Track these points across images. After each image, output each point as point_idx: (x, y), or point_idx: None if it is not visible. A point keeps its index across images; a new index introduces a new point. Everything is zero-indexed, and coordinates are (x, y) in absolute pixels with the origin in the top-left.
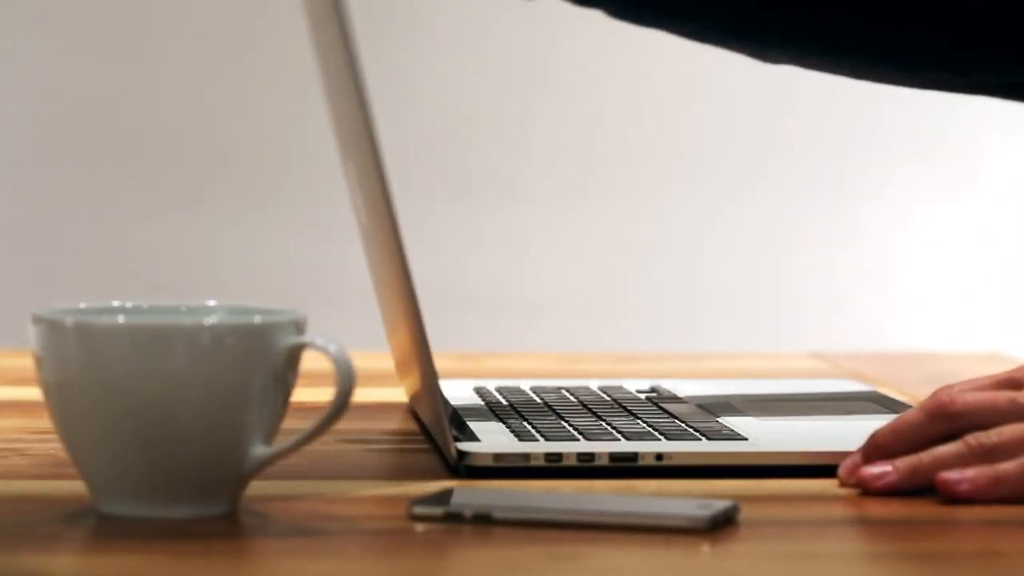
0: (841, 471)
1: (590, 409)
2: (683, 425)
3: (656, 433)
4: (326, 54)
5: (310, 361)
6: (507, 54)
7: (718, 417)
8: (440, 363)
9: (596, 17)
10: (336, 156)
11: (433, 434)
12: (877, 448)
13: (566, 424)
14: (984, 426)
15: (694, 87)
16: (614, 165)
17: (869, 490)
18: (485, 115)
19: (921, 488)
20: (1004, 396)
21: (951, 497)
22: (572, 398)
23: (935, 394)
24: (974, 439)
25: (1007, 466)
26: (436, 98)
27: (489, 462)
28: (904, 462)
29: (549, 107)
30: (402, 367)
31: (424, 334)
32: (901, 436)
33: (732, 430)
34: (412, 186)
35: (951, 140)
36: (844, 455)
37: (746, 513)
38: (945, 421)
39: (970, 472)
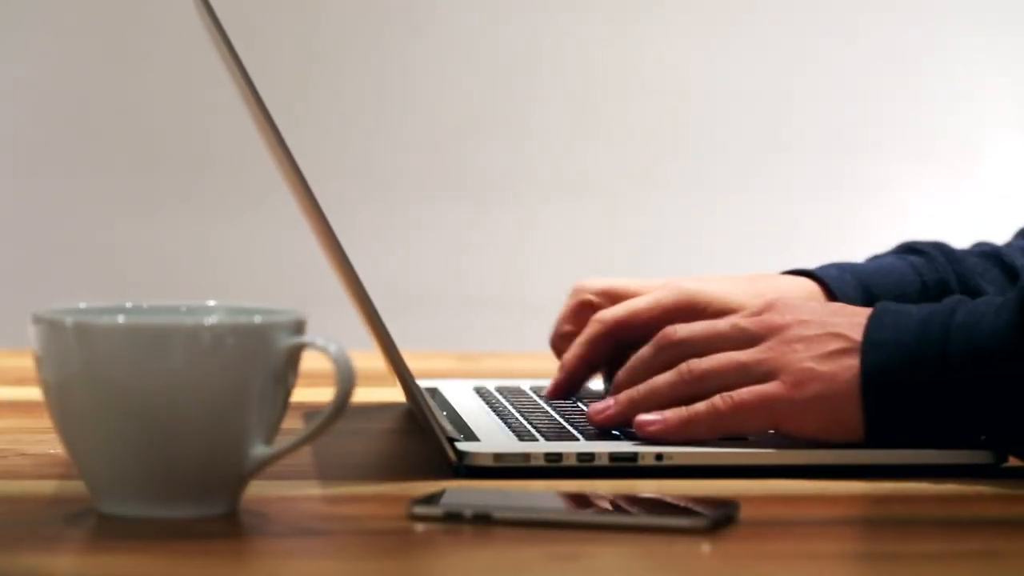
0: (589, 412)
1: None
2: None
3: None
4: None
5: (310, 361)
6: (505, 54)
7: None
8: (440, 363)
9: (593, 16)
10: (336, 156)
11: (425, 428)
12: (617, 387)
13: (566, 424)
14: (707, 352)
15: (692, 87)
16: (614, 165)
17: (595, 424)
18: (485, 115)
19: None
20: (727, 321)
21: (645, 437)
22: (572, 398)
23: (666, 328)
24: (686, 366)
25: (699, 406)
26: (434, 98)
27: (489, 462)
28: (624, 395)
29: (549, 107)
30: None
31: (387, 333)
32: (634, 372)
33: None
34: (411, 186)
35: (950, 139)
36: (844, 455)
37: (746, 513)
38: (670, 350)
39: (667, 413)
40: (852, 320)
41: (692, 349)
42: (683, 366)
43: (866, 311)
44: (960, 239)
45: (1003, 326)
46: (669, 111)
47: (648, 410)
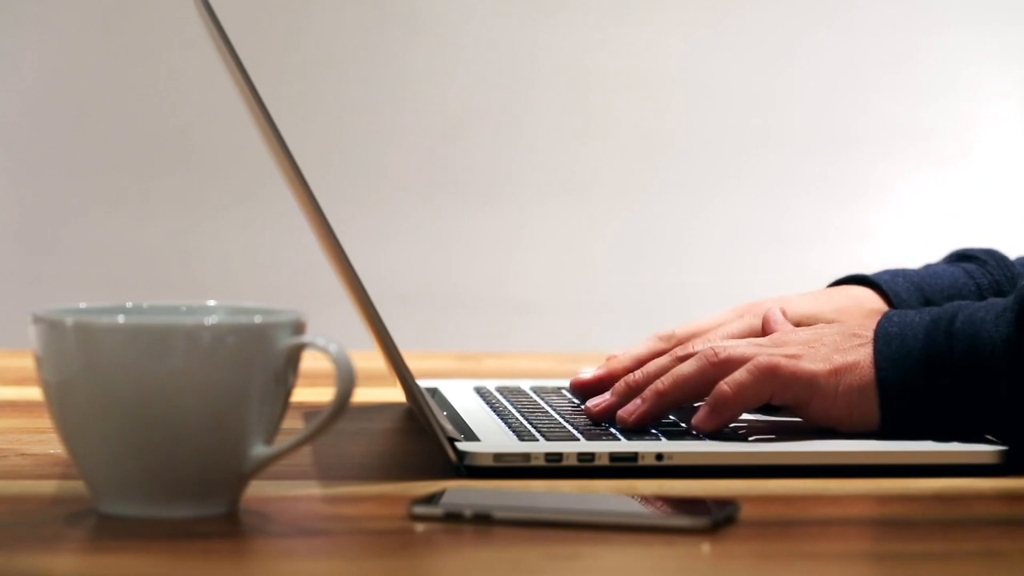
0: (589, 405)
1: None
2: (683, 425)
3: (656, 433)
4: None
5: (310, 361)
6: (500, 55)
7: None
8: (440, 363)
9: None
10: (334, 156)
11: (425, 428)
12: (628, 387)
13: (566, 424)
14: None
15: (685, 86)
16: (614, 164)
17: (626, 425)
18: (485, 115)
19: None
20: (745, 339)
21: (702, 433)
22: (572, 398)
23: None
24: (710, 349)
25: (738, 374)
26: (434, 98)
27: (489, 462)
28: (650, 390)
29: (547, 106)
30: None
31: (387, 332)
32: (650, 377)
33: (732, 430)
34: (410, 186)
35: (944, 136)
36: (844, 455)
37: (746, 513)
38: (688, 357)
39: (708, 399)
40: (863, 323)
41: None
42: (707, 350)
43: (875, 319)
44: (958, 237)
45: (1000, 341)
46: (664, 111)
47: (676, 399)
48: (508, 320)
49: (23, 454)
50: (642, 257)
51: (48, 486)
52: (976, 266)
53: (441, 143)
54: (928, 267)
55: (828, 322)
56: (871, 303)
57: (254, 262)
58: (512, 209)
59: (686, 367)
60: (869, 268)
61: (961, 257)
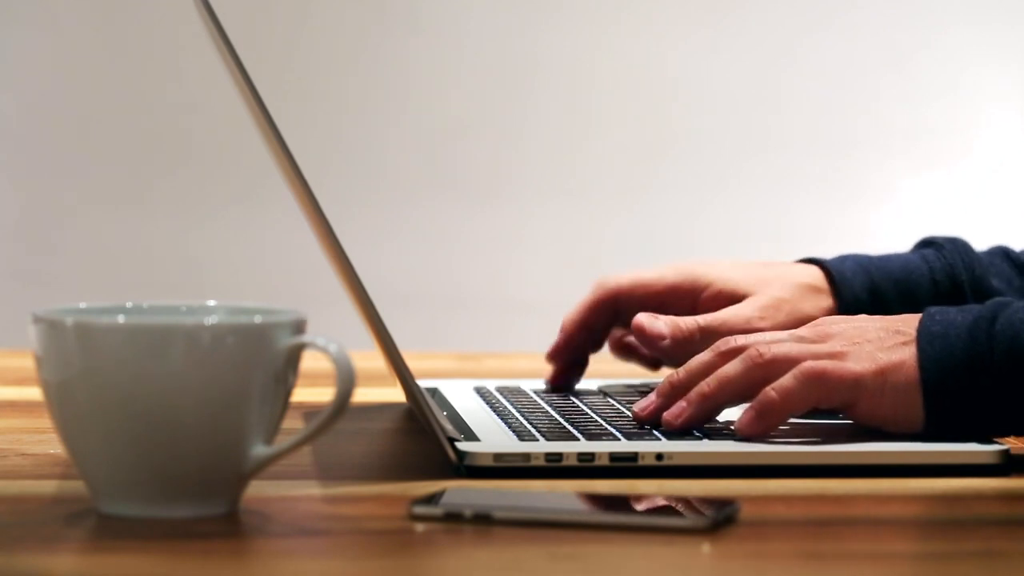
0: (636, 409)
1: (590, 409)
2: (730, 428)
3: (656, 433)
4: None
5: (310, 361)
6: (499, 54)
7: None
8: (440, 363)
9: (585, 15)
10: (333, 156)
11: (425, 428)
12: (672, 387)
13: (566, 424)
14: None
15: (685, 85)
16: (613, 163)
17: (672, 428)
18: (485, 115)
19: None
20: (784, 333)
21: (746, 437)
22: (572, 398)
23: (724, 338)
24: (755, 350)
25: (784, 380)
26: (434, 98)
27: (489, 462)
28: (695, 392)
29: (547, 106)
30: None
31: (388, 332)
32: (693, 374)
33: (732, 430)
34: (409, 186)
35: (943, 136)
36: (843, 455)
37: (746, 513)
38: (730, 355)
39: (753, 402)
40: (905, 319)
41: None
42: (752, 351)
43: (916, 316)
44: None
45: None
46: (664, 111)
47: (721, 401)
48: (508, 320)
49: (23, 454)
50: (642, 257)
51: (48, 486)
52: (932, 251)
53: (441, 143)
54: (886, 254)
55: (744, 293)
56: (803, 278)
57: (254, 262)
58: (512, 209)
59: (731, 368)
60: None
61: (924, 244)
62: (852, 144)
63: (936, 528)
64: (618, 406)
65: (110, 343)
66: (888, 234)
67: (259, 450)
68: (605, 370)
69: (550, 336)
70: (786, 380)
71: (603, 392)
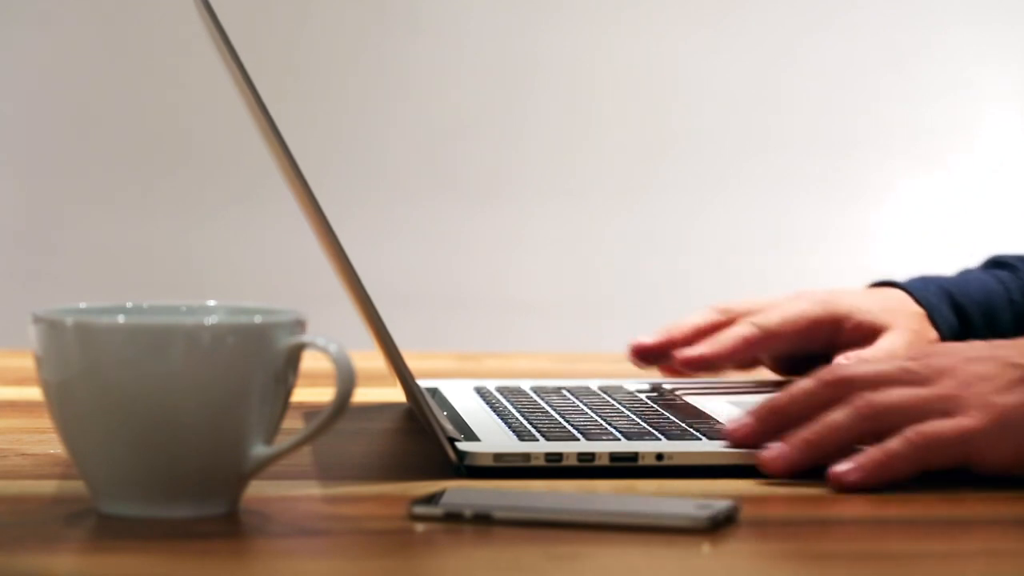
0: (731, 429)
1: (590, 409)
2: (683, 425)
3: (656, 433)
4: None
5: (310, 361)
6: (499, 54)
7: (718, 417)
8: (440, 363)
9: (586, 16)
10: (333, 156)
11: (425, 428)
12: (772, 413)
13: (566, 424)
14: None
15: (685, 86)
16: (613, 163)
17: (770, 472)
18: (483, 115)
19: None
20: (894, 364)
21: (842, 489)
22: (572, 398)
23: (830, 366)
24: (862, 400)
25: (893, 444)
26: (434, 98)
27: (489, 462)
28: (798, 437)
29: (547, 106)
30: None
31: (388, 332)
32: (797, 405)
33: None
34: (408, 186)
35: (943, 136)
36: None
37: (746, 513)
38: (836, 387)
39: (861, 459)
40: (1019, 349)
41: (861, 387)
42: (859, 401)
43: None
44: (958, 238)
45: None
46: (664, 111)
47: (825, 450)
48: (508, 320)
49: (23, 454)
50: (642, 257)
51: (48, 486)
52: (1008, 273)
53: (441, 143)
54: (961, 273)
55: (882, 324)
56: (912, 305)
57: (254, 262)
58: (512, 209)
59: (839, 417)
60: (869, 268)
61: (996, 264)
62: (852, 144)
63: (936, 528)
64: (618, 406)
65: (110, 343)
66: (888, 234)
67: (259, 450)
68: (605, 370)
69: (550, 336)
70: (898, 445)
71: (603, 392)
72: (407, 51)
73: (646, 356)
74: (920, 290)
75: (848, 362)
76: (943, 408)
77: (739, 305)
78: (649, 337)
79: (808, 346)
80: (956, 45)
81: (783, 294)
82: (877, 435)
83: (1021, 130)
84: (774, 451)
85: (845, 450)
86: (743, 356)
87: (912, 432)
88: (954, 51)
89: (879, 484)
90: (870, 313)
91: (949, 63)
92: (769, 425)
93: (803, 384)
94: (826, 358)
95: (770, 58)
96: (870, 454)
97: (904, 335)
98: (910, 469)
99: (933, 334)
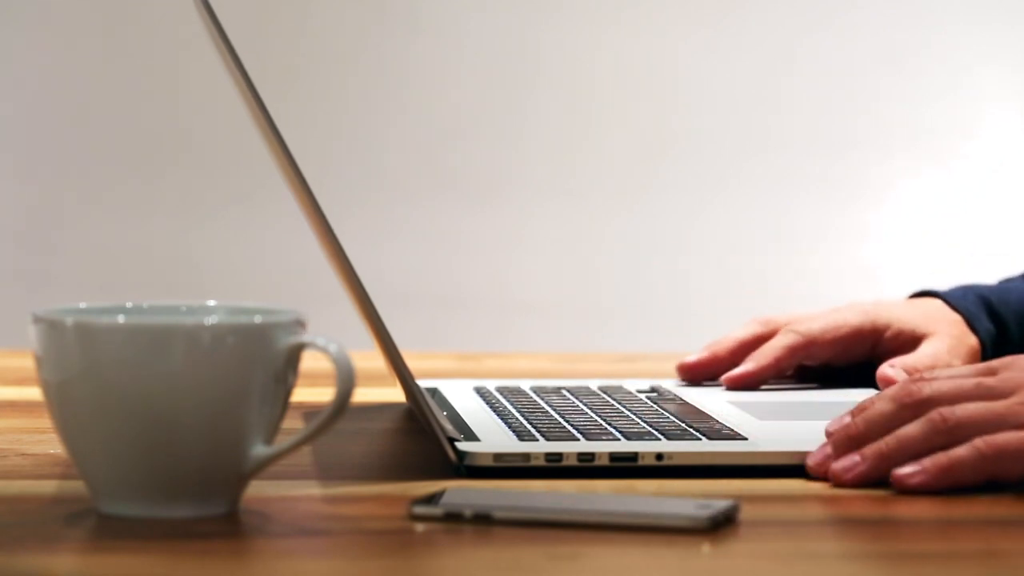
0: (810, 462)
1: (590, 409)
2: (683, 425)
3: (656, 433)
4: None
5: (310, 361)
6: (499, 54)
7: (718, 417)
8: (440, 363)
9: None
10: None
11: (425, 428)
12: (849, 439)
13: (566, 424)
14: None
15: (685, 85)
16: (613, 163)
17: (841, 483)
18: (483, 115)
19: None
20: (972, 381)
21: (905, 491)
22: (572, 398)
23: (904, 383)
24: (938, 414)
25: (960, 451)
26: (434, 98)
27: (489, 462)
28: (871, 450)
29: (546, 106)
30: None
31: (387, 332)
32: (873, 425)
33: (732, 430)
34: (409, 186)
35: (943, 136)
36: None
37: (746, 513)
38: (914, 408)
39: (925, 462)
40: None
41: (938, 404)
42: (934, 414)
43: None
44: (958, 238)
45: None
46: (664, 111)
47: (898, 463)
48: (508, 320)
49: (23, 454)
50: (642, 257)
51: (48, 486)
52: None
53: (441, 143)
54: (1002, 282)
55: (923, 332)
56: (951, 313)
57: (254, 262)
58: (512, 209)
59: (912, 430)
60: (869, 268)
61: None
62: (852, 144)
63: (936, 528)
64: (618, 406)
65: (110, 343)
66: (888, 234)
67: (259, 450)
68: (605, 370)
69: (550, 336)
70: (964, 452)
71: (603, 392)
72: (407, 51)
73: (693, 375)
74: (959, 299)
75: (894, 371)
76: (1017, 422)
77: (781, 317)
78: (694, 356)
79: (849, 354)
80: (956, 45)
81: (833, 308)
82: (949, 448)
83: (1021, 130)
84: (847, 463)
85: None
86: (787, 365)
87: (981, 441)
88: (954, 51)
89: (941, 488)
90: (911, 322)
91: (949, 63)
92: (847, 453)
93: (879, 407)
94: (868, 367)
95: (770, 58)
96: (936, 458)
97: (945, 341)
98: (974, 477)
99: (973, 340)
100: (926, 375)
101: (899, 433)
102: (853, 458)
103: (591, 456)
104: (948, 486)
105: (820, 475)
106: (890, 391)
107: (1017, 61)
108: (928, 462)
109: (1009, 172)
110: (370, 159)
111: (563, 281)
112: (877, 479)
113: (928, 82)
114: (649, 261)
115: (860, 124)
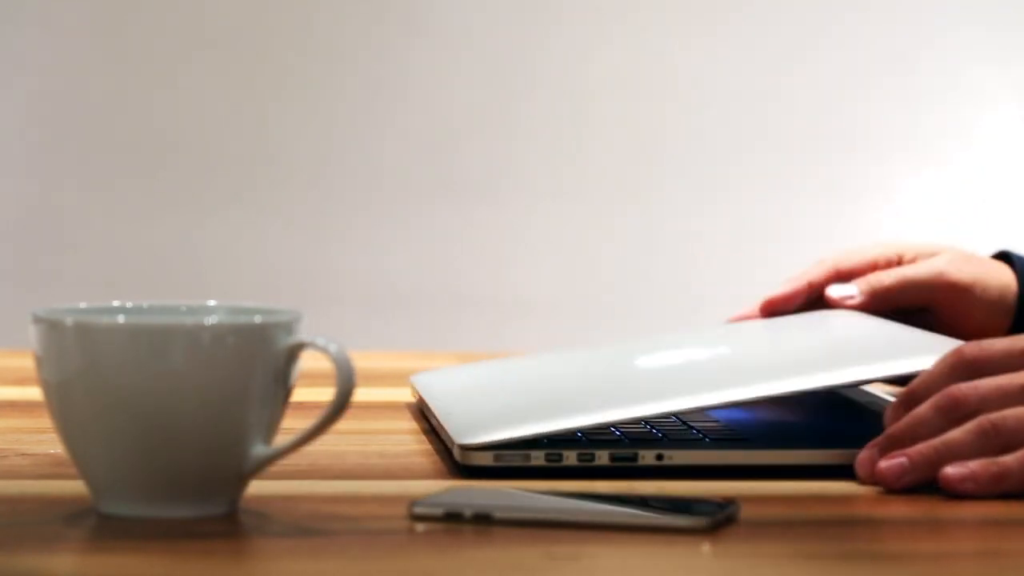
0: (859, 468)
1: None
2: (683, 425)
3: (656, 433)
4: None
5: (310, 361)
6: (499, 54)
7: (718, 417)
8: (440, 363)
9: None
10: (335, 156)
11: (425, 428)
12: (894, 444)
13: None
14: (998, 410)
15: (683, 85)
16: (613, 163)
17: (889, 486)
18: (483, 115)
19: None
20: (1018, 382)
21: (955, 494)
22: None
23: (948, 390)
24: (987, 421)
25: (1009, 460)
26: (434, 98)
27: (489, 462)
28: (917, 452)
29: (546, 106)
30: None
31: None
32: (917, 432)
33: (732, 430)
34: (410, 186)
35: (944, 136)
36: (844, 455)
37: (746, 513)
38: (957, 411)
39: (973, 465)
40: None
41: (980, 406)
42: (984, 421)
43: None
44: (958, 238)
45: None
46: (664, 111)
47: (943, 467)
48: (508, 320)
49: (23, 454)
50: (642, 257)
51: (48, 486)
52: None
53: (441, 143)
54: None
55: (962, 283)
56: (1006, 276)
57: (254, 262)
58: (512, 209)
59: (959, 435)
60: None
61: None
62: (852, 144)
63: (936, 528)
64: None
65: (110, 343)
66: (888, 234)
67: (259, 450)
68: None
69: (550, 336)
70: (1012, 462)
71: None
72: (407, 51)
73: (776, 312)
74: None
75: (965, 386)
76: None
77: (840, 259)
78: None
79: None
80: (956, 45)
81: (877, 243)
82: (998, 453)
83: (1021, 130)
84: (893, 464)
85: None
86: (818, 284)
87: None
88: (954, 51)
89: (985, 492)
90: (931, 249)
91: (949, 63)
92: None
93: (920, 413)
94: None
95: (770, 58)
96: (987, 466)
97: (949, 254)
98: (1023, 487)
99: (1008, 274)
100: (966, 385)
101: (946, 438)
102: (902, 462)
103: (591, 456)
104: (996, 493)
105: (867, 481)
106: (934, 400)
107: (1017, 61)
108: (979, 468)
109: (1008, 172)
110: (370, 159)
111: (563, 280)
112: (921, 483)
113: (928, 83)
114: (649, 261)
115: (860, 124)
